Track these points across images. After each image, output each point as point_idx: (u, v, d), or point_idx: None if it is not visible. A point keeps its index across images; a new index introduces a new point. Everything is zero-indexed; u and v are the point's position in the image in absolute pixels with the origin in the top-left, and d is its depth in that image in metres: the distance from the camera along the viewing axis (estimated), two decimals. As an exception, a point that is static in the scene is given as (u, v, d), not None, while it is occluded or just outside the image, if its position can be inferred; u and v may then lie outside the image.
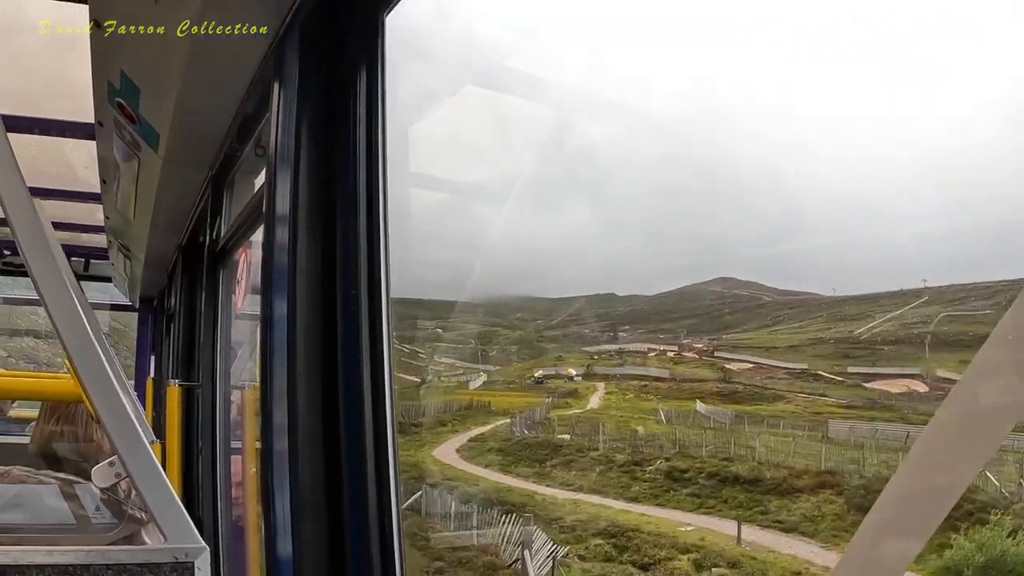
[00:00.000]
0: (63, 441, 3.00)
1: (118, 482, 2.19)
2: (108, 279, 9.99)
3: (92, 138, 4.47)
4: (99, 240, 8.24)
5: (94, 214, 6.92)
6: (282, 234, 2.15)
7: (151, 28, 2.59)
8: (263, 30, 2.34)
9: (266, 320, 2.19)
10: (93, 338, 2.02)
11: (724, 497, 43.58)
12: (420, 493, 38.92)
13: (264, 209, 2.32)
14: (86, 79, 3.71)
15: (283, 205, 2.18)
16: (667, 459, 48.71)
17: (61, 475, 2.79)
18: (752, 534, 38.03)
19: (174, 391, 4.07)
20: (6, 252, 9.50)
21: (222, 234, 3.72)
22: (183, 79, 2.77)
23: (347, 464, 2.08)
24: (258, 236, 3.01)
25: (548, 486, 47.34)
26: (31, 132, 4.87)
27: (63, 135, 4.93)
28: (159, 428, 6.77)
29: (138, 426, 1.93)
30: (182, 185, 4.11)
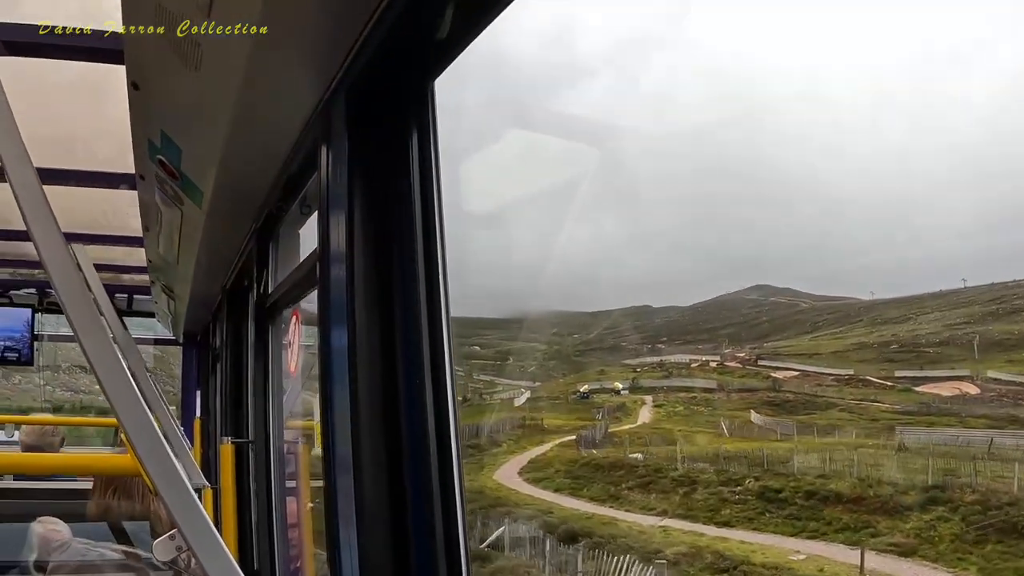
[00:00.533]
0: (120, 512, 2.99)
1: (179, 555, 2.12)
2: (151, 315, 10.11)
3: (134, 188, 4.47)
4: (142, 279, 8.32)
5: (137, 255, 6.97)
6: (338, 289, 2.15)
7: (191, 94, 2.56)
8: (309, 97, 2.30)
9: (325, 355, 2.21)
10: (149, 413, 1.98)
11: (827, 518, 40.45)
12: (502, 529, 36.87)
13: (319, 269, 2.33)
14: (126, 133, 3.72)
15: (339, 268, 2.17)
16: (756, 478, 45.70)
17: (121, 547, 2.76)
18: (869, 560, 35.04)
19: (227, 449, 4.06)
20: (49, 291, 9.70)
21: (270, 289, 3.69)
22: (226, 142, 2.74)
23: (411, 491, 2.05)
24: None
25: (628, 511, 44.49)
26: (73, 183, 4.90)
27: (104, 186, 4.95)
28: (208, 469, 6.78)
29: (197, 500, 1.89)
30: (226, 236, 4.10)
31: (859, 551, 35.75)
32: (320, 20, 1.92)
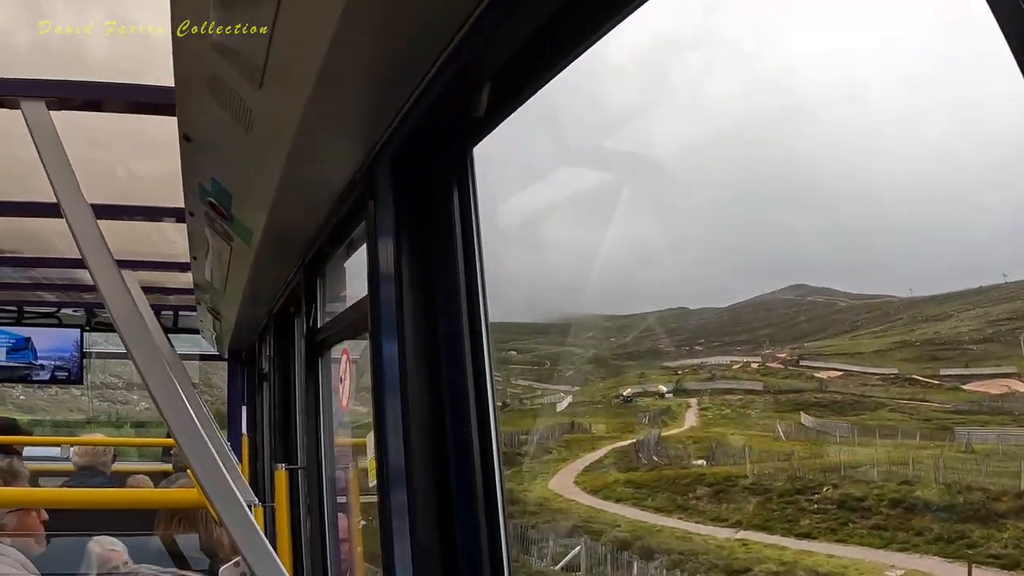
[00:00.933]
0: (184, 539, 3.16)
1: (241, 578, 2.30)
2: (196, 331, 10.32)
3: (182, 221, 4.64)
4: (187, 299, 8.54)
5: (183, 278, 7.18)
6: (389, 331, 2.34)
7: (242, 150, 2.73)
8: (354, 158, 2.47)
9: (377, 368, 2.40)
10: (213, 449, 2.16)
11: (916, 528, 37.21)
12: (578, 548, 34.25)
13: (370, 317, 2.50)
14: (177, 173, 3.90)
15: (388, 309, 2.37)
16: (835, 485, 42.14)
17: (188, 573, 2.93)
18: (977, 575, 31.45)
19: (282, 474, 4.26)
20: (97, 311, 9.98)
21: (319, 324, 3.87)
22: (276, 193, 2.91)
23: (456, 493, 2.26)
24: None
25: (698, 523, 41.10)
26: (125, 218, 5.09)
27: (154, 219, 5.14)
28: (256, 485, 6.98)
29: (254, 521, 2.06)
30: (274, 269, 4.29)
31: (961, 564, 32.85)
32: (365, 95, 2.08)
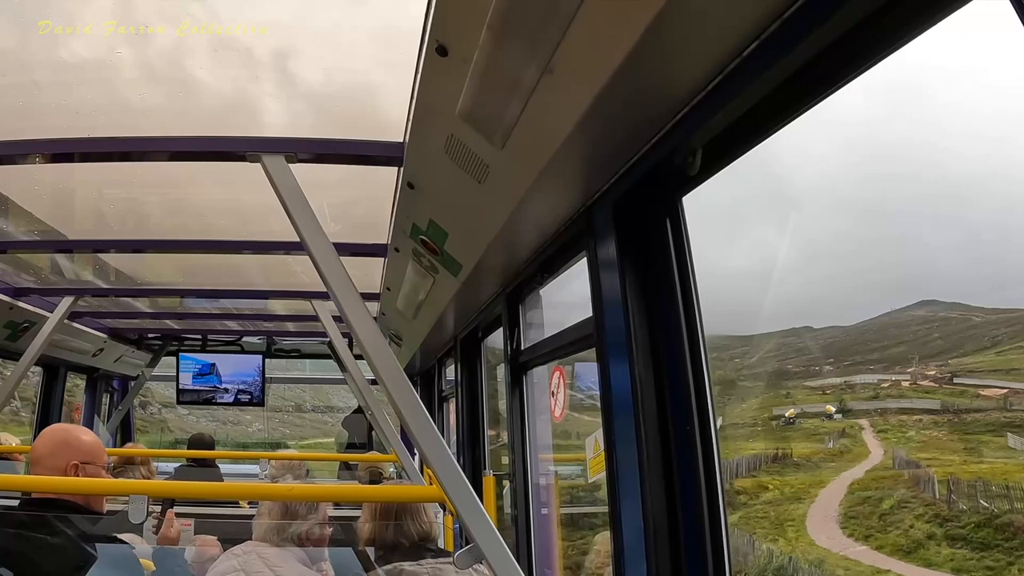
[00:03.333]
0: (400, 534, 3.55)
1: (474, 564, 2.64)
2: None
3: (383, 256, 5.00)
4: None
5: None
6: (619, 365, 2.67)
7: (469, 198, 3.10)
8: (575, 205, 2.84)
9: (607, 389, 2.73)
10: (450, 453, 2.57)
11: None
12: None
13: (596, 328, 2.86)
14: (383, 212, 4.30)
15: (616, 336, 2.70)
16: None
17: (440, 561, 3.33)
18: None
19: (490, 480, 4.71)
20: (276, 339, 10.68)
21: (522, 346, 4.23)
22: (495, 235, 3.27)
23: (683, 509, 2.54)
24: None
25: None
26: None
27: (356, 255, 5.58)
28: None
29: (488, 517, 2.45)
30: (474, 298, 4.67)
31: None
32: (596, 157, 2.44)
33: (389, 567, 3.25)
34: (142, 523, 3.15)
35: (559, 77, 2.01)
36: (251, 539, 3.61)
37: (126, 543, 3.60)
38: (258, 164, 3.11)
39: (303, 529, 3.60)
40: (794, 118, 1.94)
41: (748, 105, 1.98)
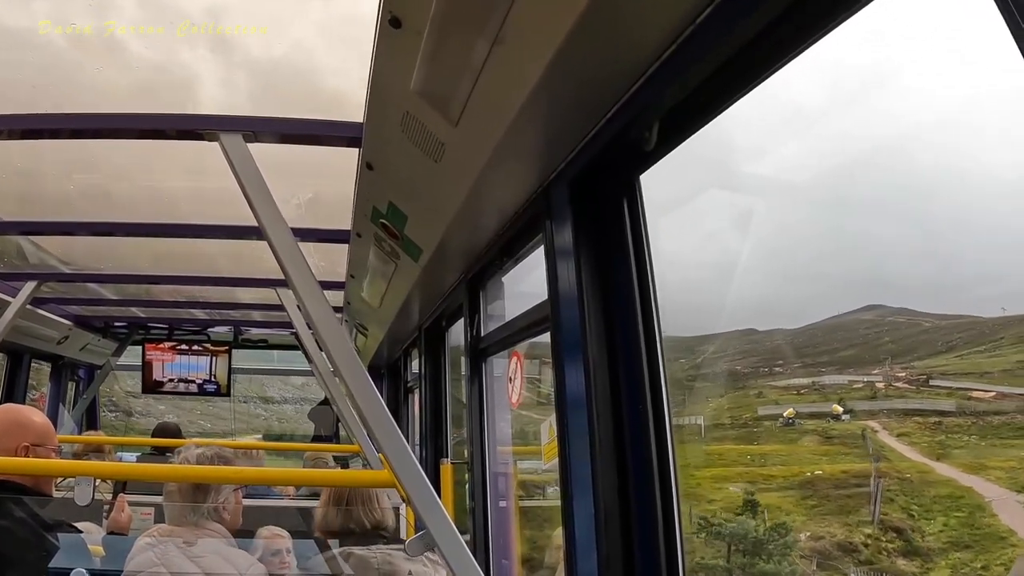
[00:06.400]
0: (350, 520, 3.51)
1: (425, 551, 2.59)
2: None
3: (346, 242, 4.97)
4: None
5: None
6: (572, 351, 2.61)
7: (427, 178, 3.05)
8: (532, 183, 2.79)
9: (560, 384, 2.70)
10: (403, 438, 2.51)
11: None
12: None
13: (551, 314, 2.82)
14: (345, 198, 4.24)
15: (570, 312, 2.67)
16: None
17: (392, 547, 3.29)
18: None
19: (447, 468, 4.66)
20: (244, 328, 10.58)
21: (482, 333, 4.19)
22: (453, 216, 3.22)
23: (635, 503, 2.51)
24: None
25: None
26: (297, 239, 5.47)
27: (318, 241, 5.52)
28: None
29: (441, 504, 2.41)
30: (436, 285, 4.62)
31: None
32: (552, 131, 2.39)
33: (340, 550, 3.22)
34: (88, 505, 3.08)
35: (510, 48, 1.96)
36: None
37: (79, 531, 3.52)
38: (216, 144, 3.01)
39: (219, 501, 3.51)
40: (749, 90, 1.91)
41: (702, 77, 1.94)
